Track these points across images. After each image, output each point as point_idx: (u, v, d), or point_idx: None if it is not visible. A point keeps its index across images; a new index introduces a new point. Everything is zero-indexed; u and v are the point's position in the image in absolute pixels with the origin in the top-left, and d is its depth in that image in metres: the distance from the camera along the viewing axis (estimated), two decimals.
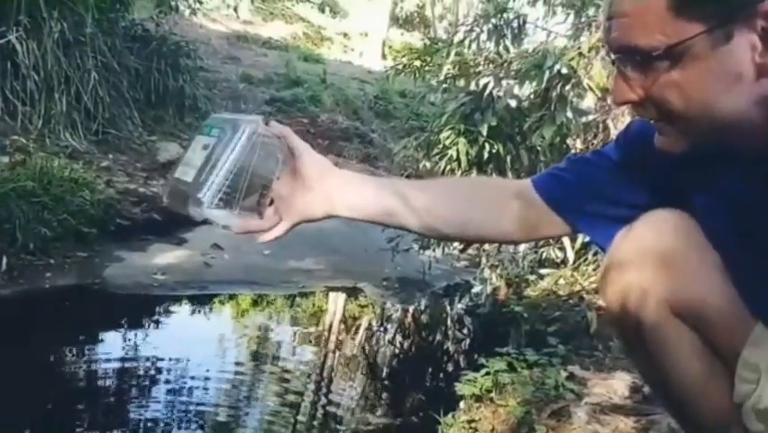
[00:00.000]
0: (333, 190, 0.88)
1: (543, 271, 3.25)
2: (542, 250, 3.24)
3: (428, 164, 3.45)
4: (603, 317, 2.61)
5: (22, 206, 3.26)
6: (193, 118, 5.83)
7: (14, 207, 3.23)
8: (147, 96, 5.58)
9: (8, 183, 3.31)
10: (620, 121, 2.98)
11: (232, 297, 3.62)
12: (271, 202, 0.89)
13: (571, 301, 2.85)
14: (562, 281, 3.17)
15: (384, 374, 2.85)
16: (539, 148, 3.03)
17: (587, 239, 3.22)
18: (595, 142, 3.38)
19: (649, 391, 1.88)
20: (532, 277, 3.29)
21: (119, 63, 5.19)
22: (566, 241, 3.20)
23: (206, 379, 2.46)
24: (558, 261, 3.26)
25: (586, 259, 3.22)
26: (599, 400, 1.86)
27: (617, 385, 1.97)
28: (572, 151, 3.25)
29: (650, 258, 0.78)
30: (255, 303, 3.62)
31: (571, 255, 3.18)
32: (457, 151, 2.87)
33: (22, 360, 2.44)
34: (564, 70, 2.67)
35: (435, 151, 3.44)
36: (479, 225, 0.94)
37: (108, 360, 2.58)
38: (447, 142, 2.82)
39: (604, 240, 0.86)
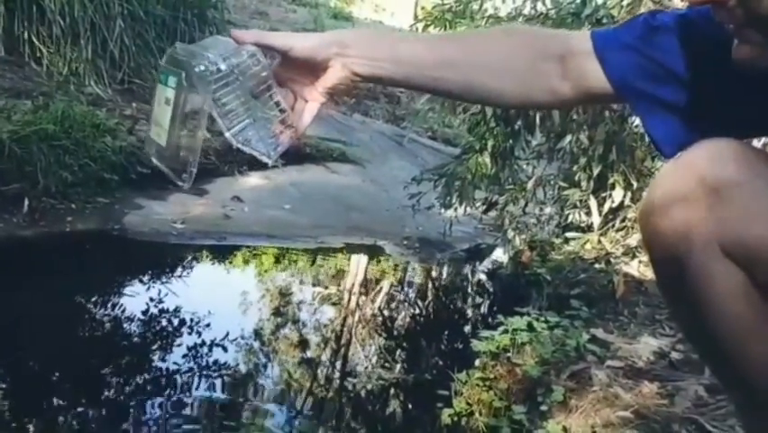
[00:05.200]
0: (346, 60, 0.80)
1: (568, 234, 3.14)
2: (567, 213, 3.12)
3: (455, 120, 3.33)
4: (630, 282, 2.51)
5: (43, 149, 3.25)
6: None
7: (36, 150, 3.22)
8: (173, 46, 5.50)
9: (30, 126, 3.29)
10: None
11: (250, 248, 3.60)
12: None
13: (596, 266, 2.74)
14: (588, 246, 3.06)
15: (400, 332, 2.81)
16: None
17: (614, 204, 3.10)
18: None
19: (676, 357, 1.79)
20: (557, 241, 3.18)
21: (145, 12, 5.10)
22: (593, 205, 3.08)
23: (227, 332, 2.42)
24: (583, 225, 3.14)
25: (614, 225, 3.10)
26: (622, 365, 1.77)
27: (642, 350, 1.88)
28: (606, 114, 3.10)
29: (701, 188, 0.68)
30: (273, 256, 3.60)
31: (597, 220, 3.05)
32: (483, 106, 2.75)
33: (41, 301, 2.46)
34: (605, 20, 2.50)
35: (460, 109, 3.32)
36: (499, 91, 0.82)
37: (126, 305, 2.58)
38: None
39: (661, 133, 0.75)
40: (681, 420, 1.43)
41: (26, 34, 4.31)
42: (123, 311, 2.53)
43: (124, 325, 2.44)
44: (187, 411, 1.87)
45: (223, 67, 0.75)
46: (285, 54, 0.78)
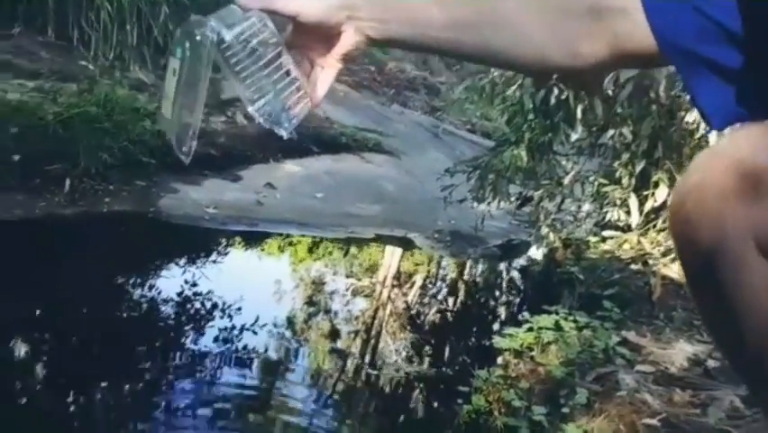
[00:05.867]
0: (359, 24, 0.75)
1: (606, 233, 3.02)
2: (606, 210, 3.00)
3: (493, 112, 3.25)
4: (668, 285, 2.39)
5: (85, 130, 3.33)
6: None
7: (78, 132, 3.30)
8: None
9: (74, 108, 3.38)
10: None
11: (280, 236, 3.62)
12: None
13: (633, 266, 2.62)
14: (626, 246, 2.93)
15: (425, 326, 2.76)
16: (614, 96, 2.76)
17: (657, 203, 2.96)
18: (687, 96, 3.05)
19: (713, 365, 1.69)
20: (593, 239, 3.07)
21: None
22: (633, 204, 2.95)
23: (256, 317, 2.42)
24: (622, 224, 3.01)
25: (655, 225, 2.96)
26: (653, 370, 1.68)
27: (676, 356, 1.78)
28: (653, 108, 2.96)
29: (739, 179, 0.61)
30: (303, 244, 3.60)
31: (636, 219, 2.93)
32: (521, 96, 2.66)
33: (77, 279, 2.53)
34: None
35: (498, 100, 3.24)
36: (515, 54, 0.75)
37: (157, 287, 2.62)
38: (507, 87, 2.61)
39: (710, 102, 0.68)
40: (714, 432, 1.34)
41: (76, 19, 4.44)
42: (155, 292, 2.57)
43: (155, 306, 2.48)
44: (217, 394, 1.88)
45: (227, 36, 0.71)
46: (294, 20, 0.74)
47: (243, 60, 0.73)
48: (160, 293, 2.56)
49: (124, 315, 2.40)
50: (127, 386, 1.86)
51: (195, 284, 2.68)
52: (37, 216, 2.99)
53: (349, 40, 0.76)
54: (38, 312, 2.20)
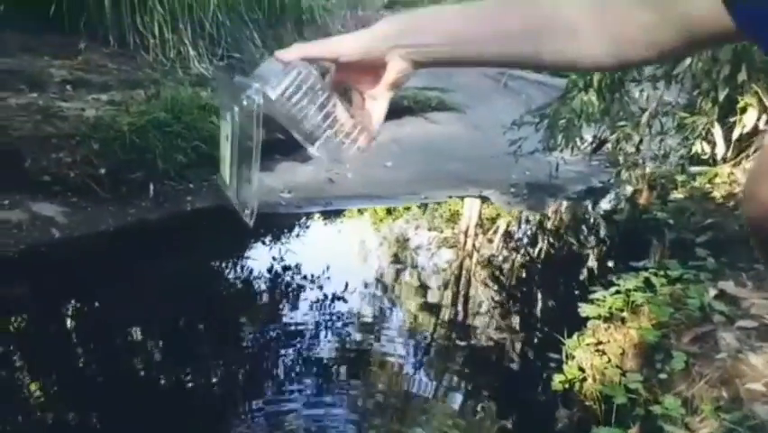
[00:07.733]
0: (402, 52, 0.75)
1: (693, 169, 2.83)
2: (691, 142, 2.80)
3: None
4: None
5: (158, 136, 3.49)
6: (311, 33, 5.79)
7: (152, 138, 3.46)
8: (265, 15, 5.60)
9: (144, 115, 3.54)
10: None
11: (356, 211, 3.67)
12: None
13: (728, 205, 2.45)
14: (717, 180, 2.74)
15: (509, 289, 2.73)
16: None
17: (746, 129, 2.71)
18: None
19: None
20: (681, 177, 2.88)
21: None
22: (717, 133, 2.73)
23: (345, 290, 2.56)
24: (707, 157, 2.79)
25: (748, 154, 2.73)
26: (757, 325, 1.58)
27: None
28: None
29: None
30: (377, 217, 3.63)
31: (722, 149, 2.71)
32: None
33: (177, 275, 2.73)
34: None
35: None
36: (576, 54, 0.72)
37: (252, 269, 2.83)
38: None
39: None
40: None
41: (133, 24, 4.59)
42: (250, 275, 2.78)
43: (252, 287, 2.67)
44: (318, 359, 2.02)
45: (272, 95, 0.73)
46: (336, 62, 0.74)
47: (292, 111, 0.74)
48: (253, 275, 2.76)
49: (225, 297, 2.61)
50: (235, 358, 2.05)
51: (283, 259, 2.87)
52: (129, 223, 3.20)
53: (395, 68, 0.75)
54: (152, 304, 2.42)
